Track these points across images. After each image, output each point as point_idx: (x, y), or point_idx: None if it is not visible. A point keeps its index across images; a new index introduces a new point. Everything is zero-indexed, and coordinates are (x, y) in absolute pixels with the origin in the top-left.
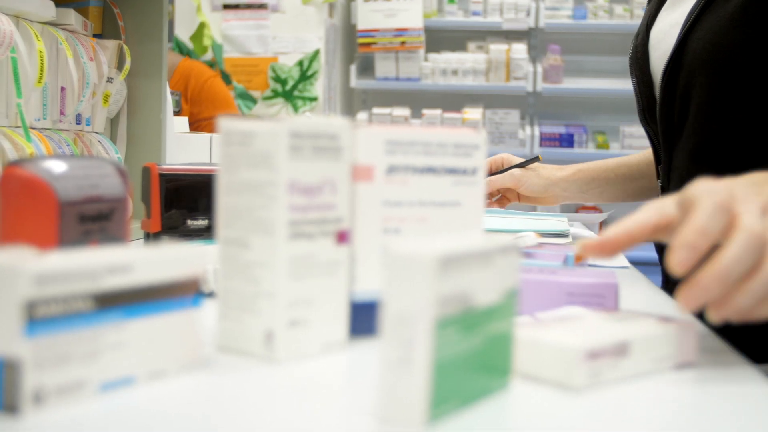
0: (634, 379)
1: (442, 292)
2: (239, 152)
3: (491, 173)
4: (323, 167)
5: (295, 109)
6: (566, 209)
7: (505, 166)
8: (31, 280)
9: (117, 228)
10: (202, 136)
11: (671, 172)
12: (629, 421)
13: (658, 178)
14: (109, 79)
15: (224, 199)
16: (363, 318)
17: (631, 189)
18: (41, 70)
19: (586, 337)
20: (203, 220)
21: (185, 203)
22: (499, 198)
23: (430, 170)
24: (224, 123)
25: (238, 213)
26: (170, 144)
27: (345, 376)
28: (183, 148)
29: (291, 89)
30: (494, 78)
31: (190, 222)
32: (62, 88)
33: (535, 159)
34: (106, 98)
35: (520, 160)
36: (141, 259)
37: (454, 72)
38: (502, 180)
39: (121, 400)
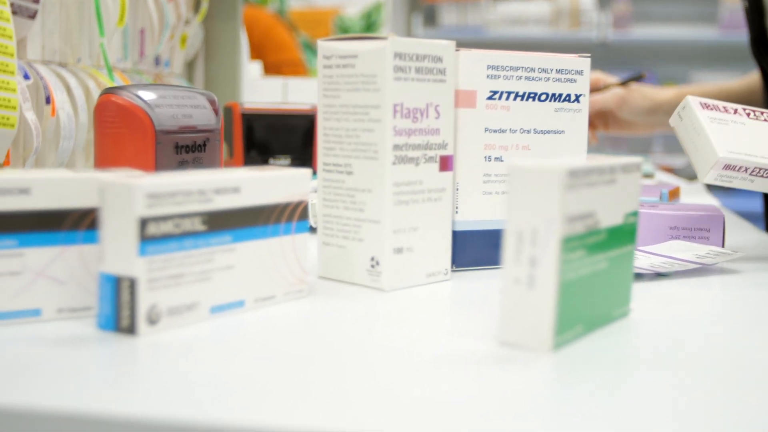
0: None
1: (568, 209)
2: (340, 75)
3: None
4: (427, 90)
5: None
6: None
7: (602, 85)
8: (145, 198)
9: (210, 159)
10: (275, 80)
11: None
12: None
13: None
14: (187, 22)
15: (325, 125)
16: (463, 249)
17: None
18: (122, 10)
19: (741, 144)
20: (285, 159)
21: (267, 142)
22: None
23: (533, 96)
24: (324, 44)
25: (339, 138)
26: (244, 88)
27: (454, 303)
28: (256, 93)
29: None
30: (561, 26)
31: (272, 161)
32: (142, 30)
33: (639, 77)
34: (183, 41)
35: (615, 79)
36: (248, 180)
37: (520, 21)
38: (603, 100)
39: (230, 324)
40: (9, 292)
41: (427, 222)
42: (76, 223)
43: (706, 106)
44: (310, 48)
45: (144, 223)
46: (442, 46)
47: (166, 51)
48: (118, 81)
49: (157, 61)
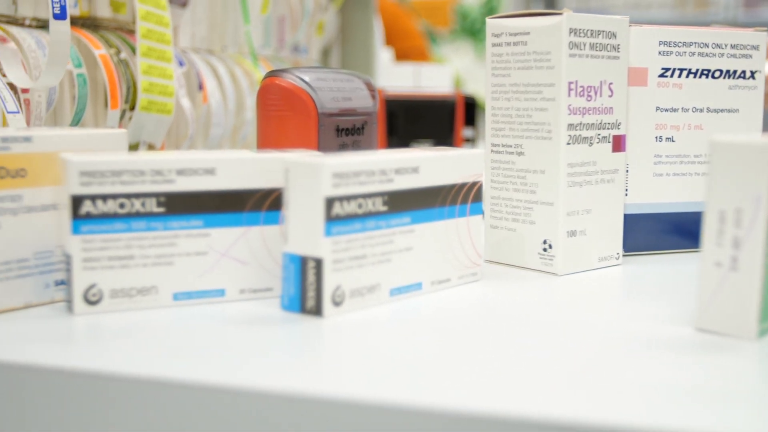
0: None
1: None
2: (511, 53)
3: None
4: (601, 67)
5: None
6: None
7: None
8: (331, 177)
9: (368, 142)
10: (406, 66)
11: None
12: None
13: None
14: (324, 8)
15: (493, 104)
16: (633, 233)
17: None
18: None
19: None
20: (427, 143)
21: (409, 127)
22: None
23: (706, 73)
24: (492, 22)
25: (509, 118)
26: (379, 74)
27: (631, 288)
28: (388, 79)
29: (478, 28)
30: (687, 8)
31: (415, 147)
32: (281, 18)
33: None
34: (320, 28)
35: None
36: (427, 160)
37: (643, 4)
38: None
39: (410, 306)
40: (196, 272)
41: (600, 204)
42: (258, 204)
43: None
44: (432, 35)
45: (330, 202)
46: (617, 21)
47: (304, 38)
48: (262, 68)
49: (296, 48)
